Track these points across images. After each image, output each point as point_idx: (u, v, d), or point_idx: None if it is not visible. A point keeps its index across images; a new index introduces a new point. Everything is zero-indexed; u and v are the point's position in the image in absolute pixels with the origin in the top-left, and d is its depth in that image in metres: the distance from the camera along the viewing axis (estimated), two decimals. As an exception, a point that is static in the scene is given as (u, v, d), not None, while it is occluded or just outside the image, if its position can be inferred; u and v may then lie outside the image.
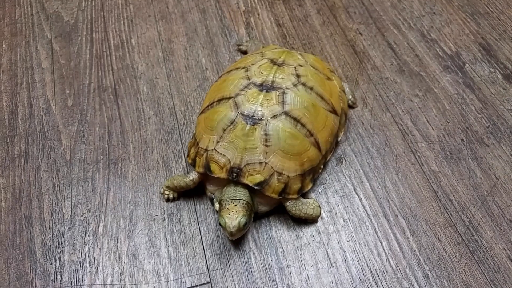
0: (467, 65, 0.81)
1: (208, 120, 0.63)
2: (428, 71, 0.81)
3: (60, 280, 0.60)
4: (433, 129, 0.73)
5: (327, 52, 0.85)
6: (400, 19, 0.89)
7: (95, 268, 0.61)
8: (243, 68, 0.67)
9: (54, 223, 0.65)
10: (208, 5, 0.94)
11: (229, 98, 0.63)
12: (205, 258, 0.61)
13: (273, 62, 0.67)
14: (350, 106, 0.76)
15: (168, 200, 0.66)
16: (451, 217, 0.64)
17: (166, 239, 0.63)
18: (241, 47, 0.85)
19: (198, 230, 0.64)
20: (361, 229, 0.63)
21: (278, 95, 0.62)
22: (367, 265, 0.60)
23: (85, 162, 0.72)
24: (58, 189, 0.69)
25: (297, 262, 0.61)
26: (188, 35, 0.89)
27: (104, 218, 0.65)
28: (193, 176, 0.63)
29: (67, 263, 0.61)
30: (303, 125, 0.62)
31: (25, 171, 0.71)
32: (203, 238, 0.63)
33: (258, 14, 0.92)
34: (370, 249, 0.61)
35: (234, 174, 0.59)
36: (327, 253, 0.61)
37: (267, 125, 0.60)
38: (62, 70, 0.84)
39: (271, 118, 0.60)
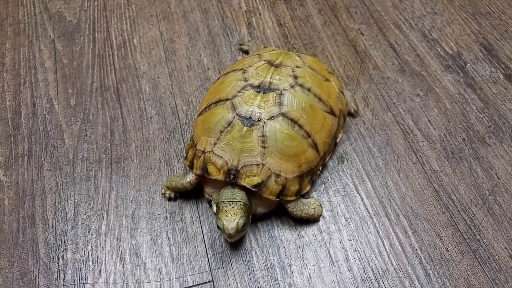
0: (468, 65, 0.81)
1: (206, 122, 0.63)
2: (430, 71, 0.81)
3: (63, 279, 0.60)
4: (434, 128, 0.73)
5: (328, 52, 0.85)
6: (402, 19, 0.89)
7: (97, 266, 0.61)
8: (240, 69, 0.67)
9: (57, 221, 0.65)
10: (210, 5, 0.94)
11: (226, 99, 0.63)
12: (207, 256, 0.62)
13: (270, 63, 0.67)
14: (351, 115, 0.75)
15: (169, 199, 0.67)
16: (452, 216, 0.64)
17: (168, 237, 0.63)
18: (243, 46, 0.85)
19: (200, 229, 0.64)
20: (362, 228, 0.63)
21: (276, 97, 0.62)
22: (369, 264, 0.60)
23: (88, 161, 0.72)
24: (61, 188, 0.69)
25: (299, 261, 0.61)
26: (190, 35, 0.89)
27: (107, 217, 0.66)
28: (190, 178, 0.63)
29: (70, 262, 0.62)
30: (300, 126, 0.62)
31: (28, 170, 0.71)
32: (205, 237, 0.63)
33: (260, 14, 0.92)
34: (372, 248, 0.62)
35: (232, 176, 0.59)
36: (329, 252, 0.61)
37: (264, 127, 0.60)
38: (65, 70, 0.84)
39: (268, 119, 0.60)
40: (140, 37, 0.89)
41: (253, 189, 0.59)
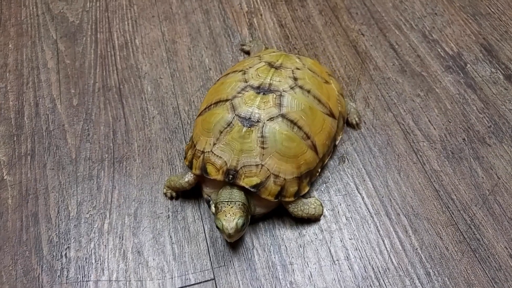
0: (468, 65, 0.82)
1: (205, 122, 0.63)
2: (430, 72, 0.82)
3: (67, 276, 0.61)
4: (434, 128, 0.74)
5: (329, 53, 0.85)
6: (402, 20, 0.90)
7: (100, 264, 0.62)
8: (240, 71, 0.68)
9: (60, 220, 0.66)
10: (211, 6, 0.95)
11: (226, 100, 0.63)
12: (209, 255, 0.62)
13: (270, 65, 0.67)
14: (352, 127, 0.74)
15: (171, 198, 0.67)
16: (452, 215, 0.65)
17: (171, 236, 0.64)
18: (244, 47, 0.86)
19: (202, 227, 0.64)
20: (363, 227, 0.64)
21: (275, 98, 0.62)
22: (369, 263, 0.61)
23: (90, 160, 0.72)
24: (64, 187, 0.69)
25: (300, 260, 0.61)
26: (191, 35, 0.90)
27: (109, 216, 0.66)
28: (188, 178, 0.64)
29: (73, 260, 0.62)
30: (300, 127, 0.62)
31: (31, 169, 0.72)
32: (207, 236, 0.64)
33: (261, 15, 0.93)
34: (372, 247, 0.62)
35: (230, 176, 0.59)
36: (330, 251, 0.62)
37: (263, 128, 0.60)
38: (67, 70, 0.85)
39: (267, 120, 0.61)
40: (142, 38, 0.90)
41: (251, 190, 0.59)
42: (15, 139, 0.76)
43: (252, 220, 0.62)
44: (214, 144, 0.61)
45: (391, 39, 0.87)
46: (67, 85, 0.83)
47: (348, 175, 0.69)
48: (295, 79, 0.66)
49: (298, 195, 0.63)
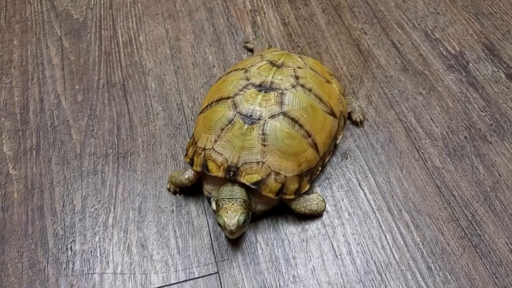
0: (470, 64, 0.83)
1: (207, 119, 0.64)
2: (432, 70, 0.82)
3: (72, 269, 0.61)
4: (436, 126, 0.75)
5: (332, 51, 0.86)
6: (405, 19, 0.91)
7: (105, 257, 0.62)
8: (242, 69, 0.68)
9: (66, 214, 0.67)
10: (215, 4, 0.96)
11: (228, 98, 0.64)
12: (213, 249, 0.63)
13: (272, 63, 0.68)
14: (356, 124, 0.75)
15: (175, 193, 0.68)
16: (454, 212, 0.65)
17: (175, 230, 0.64)
18: (248, 44, 0.86)
19: (206, 222, 0.65)
20: (365, 222, 0.65)
21: (277, 96, 0.63)
22: (372, 258, 0.61)
23: (95, 155, 0.73)
24: (69, 181, 0.70)
25: (303, 254, 0.62)
26: (195, 33, 0.90)
27: (114, 210, 0.67)
28: (188, 174, 0.64)
29: (78, 252, 0.63)
30: (301, 125, 0.62)
31: (36, 163, 0.72)
32: (211, 230, 0.64)
33: (264, 13, 0.94)
34: (375, 242, 0.63)
35: (231, 173, 0.60)
36: (332, 246, 0.63)
37: (265, 125, 0.61)
38: (72, 66, 0.86)
39: (269, 118, 0.61)
40: (146, 35, 0.91)
41: (252, 187, 0.60)
42: (20, 134, 0.76)
43: (253, 217, 0.63)
44: (215, 141, 0.62)
45: (394, 38, 0.88)
46: (72, 81, 0.83)
47: (351, 171, 0.70)
48: (297, 77, 0.66)
49: (299, 193, 0.63)
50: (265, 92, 0.63)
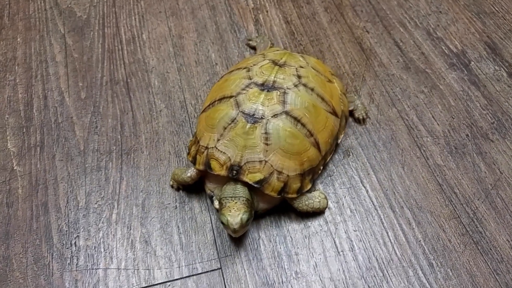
0: (472, 63, 0.83)
1: (209, 118, 0.64)
2: (434, 69, 0.83)
3: (76, 264, 0.62)
4: (438, 124, 0.75)
5: (334, 49, 0.87)
6: (407, 18, 0.91)
7: (109, 253, 0.63)
8: (244, 68, 0.68)
9: (70, 210, 0.67)
10: (218, 2, 0.96)
11: (230, 97, 0.64)
12: (216, 245, 0.63)
13: (274, 63, 0.68)
14: (358, 121, 0.75)
15: (178, 189, 0.68)
16: (455, 209, 0.66)
17: (178, 226, 0.65)
18: (251, 42, 0.87)
19: (209, 218, 0.66)
20: (367, 219, 0.65)
21: (279, 95, 0.63)
22: (374, 254, 0.62)
23: (98, 152, 0.74)
24: (73, 177, 0.71)
25: (305, 250, 0.62)
26: (198, 31, 0.91)
27: (117, 206, 0.67)
28: (191, 173, 0.65)
29: (82, 248, 0.63)
30: (303, 125, 0.63)
31: (41, 160, 0.73)
32: (214, 226, 0.65)
33: (267, 11, 0.94)
34: (377, 239, 0.63)
35: (234, 172, 0.60)
36: (335, 242, 0.63)
37: (267, 124, 0.61)
38: (75, 64, 0.86)
39: (271, 117, 0.61)
40: (149, 33, 0.91)
41: (255, 185, 0.60)
42: (24, 130, 0.77)
43: (255, 216, 0.63)
44: (218, 140, 0.62)
45: (396, 37, 0.88)
46: (75, 78, 0.84)
47: (353, 168, 0.70)
48: (299, 77, 0.66)
49: (301, 192, 0.63)
50: (268, 91, 0.63)
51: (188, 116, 0.78)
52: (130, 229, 0.65)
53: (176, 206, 0.67)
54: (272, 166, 0.61)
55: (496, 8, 0.91)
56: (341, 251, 0.62)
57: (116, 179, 0.70)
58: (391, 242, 0.63)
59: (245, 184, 0.61)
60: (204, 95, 0.81)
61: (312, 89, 0.66)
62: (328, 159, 0.69)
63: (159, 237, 0.64)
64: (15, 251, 0.63)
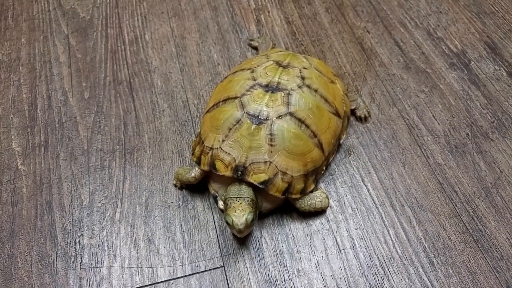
0: (472, 62, 0.84)
1: (214, 119, 0.65)
2: (434, 68, 0.83)
3: (81, 262, 0.63)
4: (438, 123, 0.76)
5: (335, 49, 0.87)
6: (407, 18, 0.92)
7: (113, 251, 0.63)
8: (248, 69, 0.69)
9: (74, 208, 0.68)
10: (220, 2, 0.97)
11: (235, 98, 0.64)
12: (218, 243, 0.64)
13: (278, 64, 0.68)
14: (360, 120, 0.75)
15: (181, 188, 0.69)
16: (456, 207, 0.66)
17: (181, 225, 0.66)
18: (252, 42, 0.87)
19: (212, 216, 0.66)
20: (368, 218, 0.66)
21: (283, 96, 0.64)
22: (375, 252, 0.62)
23: (102, 151, 0.74)
24: (77, 176, 0.71)
25: (307, 248, 0.63)
26: (200, 31, 0.92)
27: (121, 205, 0.68)
28: (194, 173, 0.65)
29: (86, 246, 0.64)
30: (307, 126, 0.63)
31: (45, 159, 0.73)
32: (216, 224, 0.65)
33: (268, 12, 0.95)
34: (378, 237, 0.64)
35: (239, 173, 0.61)
36: (336, 240, 0.64)
37: (272, 125, 0.61)
38: (79, 64, 0.87)
39: (276, 118, 0.62)
40: (151, 33, 0.92)
41: (260, 186, 0.61)
42: (28, 130, 0.77)
43: (259, 216, 0.63)
44: (223, 140, 0.63)
45: (396, 37, 0.89)
46: (79, 78, 0.85)
47: (354, 167, 0.71)
48: (303, 78, 0.67)
49: (304, 192, 0.64)
50: (272, 92, 0.64)
51: (190, 115, 0.78)
52: (134, 228, 0.66)
53: (179, 204, 0.68)
54: (276, 167, 0.61)
55: (496, 8, 0.92)
56: (343, 249, 0.63)
57: (119, 178, 0.71)
58: (392, 240, 0.63)
59: (250, 184, 0.61)
60: (206, 95, 0.81)
61: (316, 90, 0.67)
62: (331, 159, 0.70)
63: (162, 235, 0.65)
64: (20, 250, 0.64)
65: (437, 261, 0.61)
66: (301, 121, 0.63)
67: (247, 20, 0.93)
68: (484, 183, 0.68)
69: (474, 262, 0.61)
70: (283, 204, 0.66)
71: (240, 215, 0.58)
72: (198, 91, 0.82)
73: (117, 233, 0.65)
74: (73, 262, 0.63)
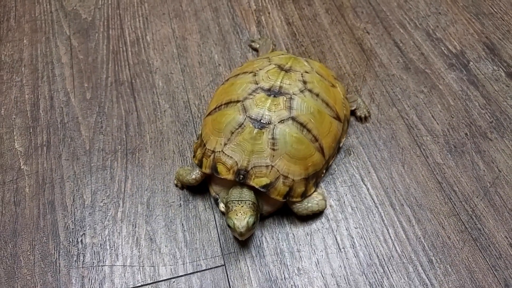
0: (471, 63, 0.84)
1: (216, 122, 0.65)
2: (433, 69, 0.84)
3: (83, 261, 0.63)
4: (437, 123, 0.76)
5: (335, 50, 0.88)
6: (406, 19, 0.92)
7: (115, 250, 0.64)
8: (250, 72, 0.69)
9: (76, 208, 0.68)
10: (220, 4, 0.97)
11: (237, 101, 0.65)
12: (219, 242, 0.64)
13: (280, 67, 0.69)
14: (361, 120, 0.76)
15: (182, 188, 0.70)
16: (454, 206, 0.67)
17: (182, 224, 0.66)
18: (253, 44, 0.88)
19: (213, 215, 0.67)
20: (368, 217, 0.66)
21: (286, 101, 0.64)
22: (374, 251, 0.63)
23: (104, 151, 0.75)
24: (79, 176, 0.72)
25: (307, 247, 0.64)
26: (201, 32, 0.92)
27: (123, 204, 0.69)
28: (195, 175, 0.66)
29: (88, 245, 0.65)
30: (309, 130, 0.64)
31: (47, 159, 0.74)
32: (217, 224, 0.66)
33: (269, 13, 0.95)
34: (377, 236, 0.64)
35: (241, 176, 0.61)
36: (336, 239, 0.64)
37: (274, 130, 0.62)
38: (81, 65, 0.88)
39: (278, 122, 0.62)
40: (153, 34, 0.92)
41: (262, 190, 0.61)
42: (31, 130, 0.78)
43: (260, 218, 0.64)
44: (225, 144, 0.63)
45: (396, 37, 0.89)
46: (81, 79, 0.85)
47: (354, 167, 0.71)
48: (305, 82, 0.67)
49: (305, 196, 0.65)
50: (274, 96, 0.64)
51: (192, 116, 0.79)
52: (135, 227, 0.66)
53: (180, 204, 0.68)
54: (278, 171, 0.62)
55: (495, 9, 0.92)
56: (343, 248, 0.63)
57: (121, 178, 0.71)
58: (391, 239, 0.64)
59: (251, 188, 0.62)
60: (207, 95, 0.82)
61: (317, 95, 0.67)
62: (331, 162, 0.70)
63: (163, 234, 0.65)
64: (23, 249, 0.65)
65: (436, 259, 0.62)
66: (303, 125, 0.64)
67: (247, 21, 0.94)
68: (482, 183, 0.69)
69: (472, 260, 0.62)
70: (283, 208, 0.66)
71: (242, 218, 0.58)
72: (199, 92, 0.83)
73: (119, 232, 0.66)
74: (75, 261, 0.63)
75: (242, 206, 0.60)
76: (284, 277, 0.61)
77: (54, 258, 0.64)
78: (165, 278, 0.62)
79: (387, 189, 0.69)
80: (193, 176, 0.66)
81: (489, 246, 0.63)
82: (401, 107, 0.79)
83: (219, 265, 0.63)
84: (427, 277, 0.61)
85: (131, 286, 0.61)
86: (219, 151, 0.63)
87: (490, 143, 0.73)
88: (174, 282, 0.61)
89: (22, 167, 0.73)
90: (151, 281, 0.62)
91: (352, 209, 0.67)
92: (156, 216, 0.67)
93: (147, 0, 0.99)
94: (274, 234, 0.65)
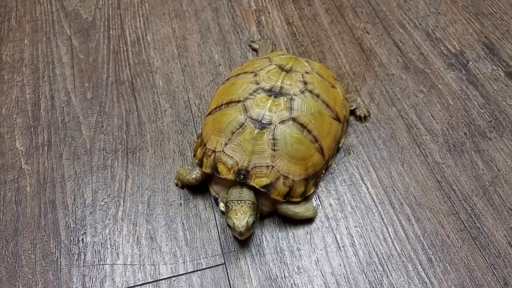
0: (470, 63, 0.84)
1: (217, 122, 0.65)
2: (433, 68, 0.84)
3: (84, 260, 0.64)
4: (437, 123, 0.76)
5: (335, 50, 0.88)
6: (406, 19, 0.93)
7: (115, 249, 0.64)
8: (251, 72, 0.69)
9: (77, 207, 0.69)
10: (220, 4, 0.98)
11: (238, 101, 0.65)
12: (220, 241, 0.65)
13: (281, 68, 0.69)
14: (360, 119, 0.76)
15: (182, 187, 0.70)
16: (454, 205, 0.67)
17: (183, 223, 0.66)
18: (253, 44, 0.88)
19: (213, 214, 0.67)
20: (368, 215, 0.66)
21: (286, 101, 0.64)
22: (374, 249, 0.63)
23: (104, 151, 0.75)
24: (80, 175, 0.72)
25: (307, 246, 0.64)
26: (201, 32, 0.93)
27: (123, 203, 0.69)
28: (195, 174, 0.66)
29: (89, 244, 0.65)
30: (309, 131, 0.64)
31: (48, 158, 0.74)
32: (218, 222, 0.66)
33: (269, 13, 0.96)
34: (377, 235, 0.65)
35: (242, 176, 0.62)
36: (336, 238, 0.64)
37: (275, 130, 0.62)
38: (81, 65, 0.88)
39: (279, 123, 0.63)
40: (153, 34, 0.93)
41: (262, 190, 0.62)
42: (32, 130, 0.78)
43: (259, 217, 0.64)
44: (226, 144, 0.63)
45: (395, 37, 0.89)
46: (81, 79, 0.86)
47: (353, 166, 0.72)
48: (305, 83, 0.68)
49: (305, 196, 0.65)
50: (275, 97, 0.64)
51: (192, 115, 0.79)
52: (136, 226, 0.67)
53: (180, 203, 0.68)
54: (278, 171, 0.62)
55: (494, 9, 0.93)
56: (342, 246, 0.64)
57: (122, 177, 0.72)
58: (391, 238, 0.64)
59: (251, 187, 0.62)
60: (207, 95, 0.82)
61: (318, 96, 0.67)
62: (330, 162, 0.71)
63: (164, 233, 0.66)
64: (24, 248, 0.65)
65: (435, 258, 0.62)
66: (303, 126, 0.64)
67: (247, 21, 0.94)
68: (481, 182, 0.69)
69: (472, 259, 0.62)
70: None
71: (241, 218, 0.59)
72: (200, 91, 0.83)
73: (119, 231, 0.66)
74: (76, 259, 0.64)
75: (242, 206, 0.60)
76: (284, 276, 0.62)
77: (55, 257, 0.64)
78: (165, 277, 0.62)
79: (387, 188, 0.69)
80: (194, 176, 0.66)
81: (488, 244, 0.63)
82: (400, 107, 0.79)
83: (220, 263, 0.63)
84: (426, 276, 0.61)
85: (131, 285, 0.62)
86: (220, 151, 0.63)
87: (489, 142, 0.74)
88: (174, 280, 0.62)
89: (23, 167, 0.74)
90: (152, 280, 0.62)
91: (351, 208, 0.67)
92: (156, 215, 0.68)
93: (147, 0, 0.99)
94: (274, 233, 0.65)
